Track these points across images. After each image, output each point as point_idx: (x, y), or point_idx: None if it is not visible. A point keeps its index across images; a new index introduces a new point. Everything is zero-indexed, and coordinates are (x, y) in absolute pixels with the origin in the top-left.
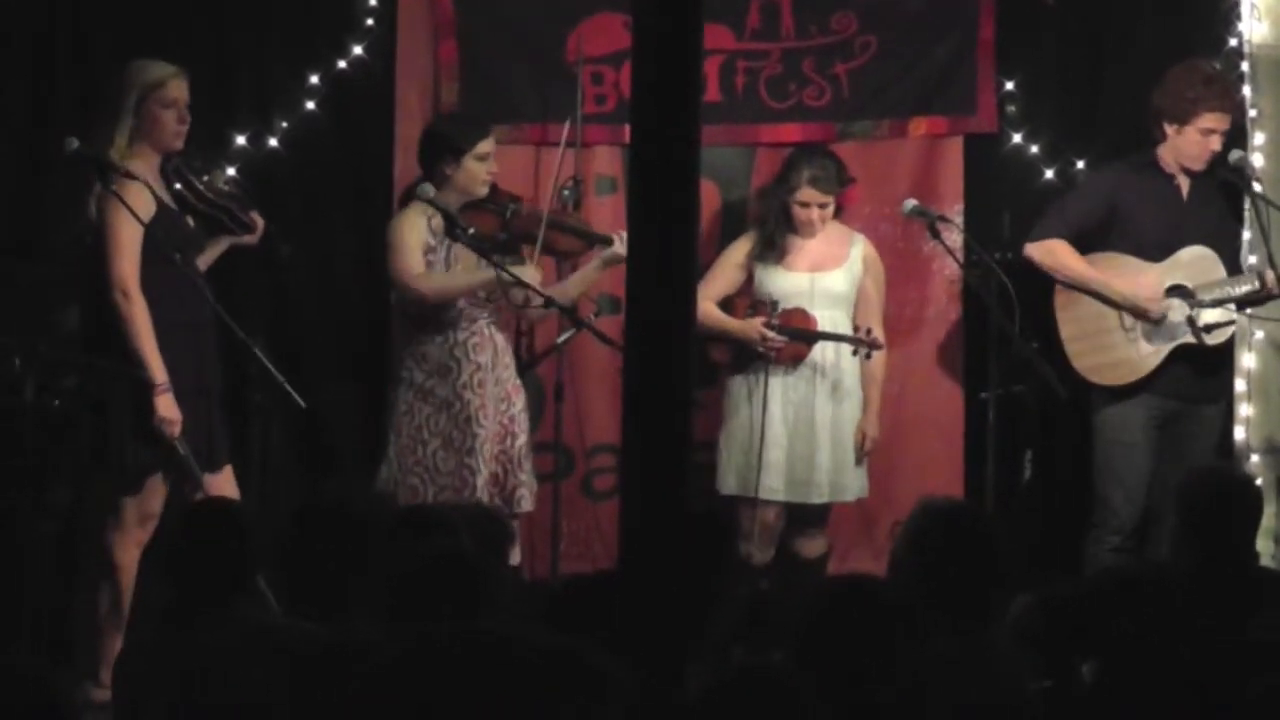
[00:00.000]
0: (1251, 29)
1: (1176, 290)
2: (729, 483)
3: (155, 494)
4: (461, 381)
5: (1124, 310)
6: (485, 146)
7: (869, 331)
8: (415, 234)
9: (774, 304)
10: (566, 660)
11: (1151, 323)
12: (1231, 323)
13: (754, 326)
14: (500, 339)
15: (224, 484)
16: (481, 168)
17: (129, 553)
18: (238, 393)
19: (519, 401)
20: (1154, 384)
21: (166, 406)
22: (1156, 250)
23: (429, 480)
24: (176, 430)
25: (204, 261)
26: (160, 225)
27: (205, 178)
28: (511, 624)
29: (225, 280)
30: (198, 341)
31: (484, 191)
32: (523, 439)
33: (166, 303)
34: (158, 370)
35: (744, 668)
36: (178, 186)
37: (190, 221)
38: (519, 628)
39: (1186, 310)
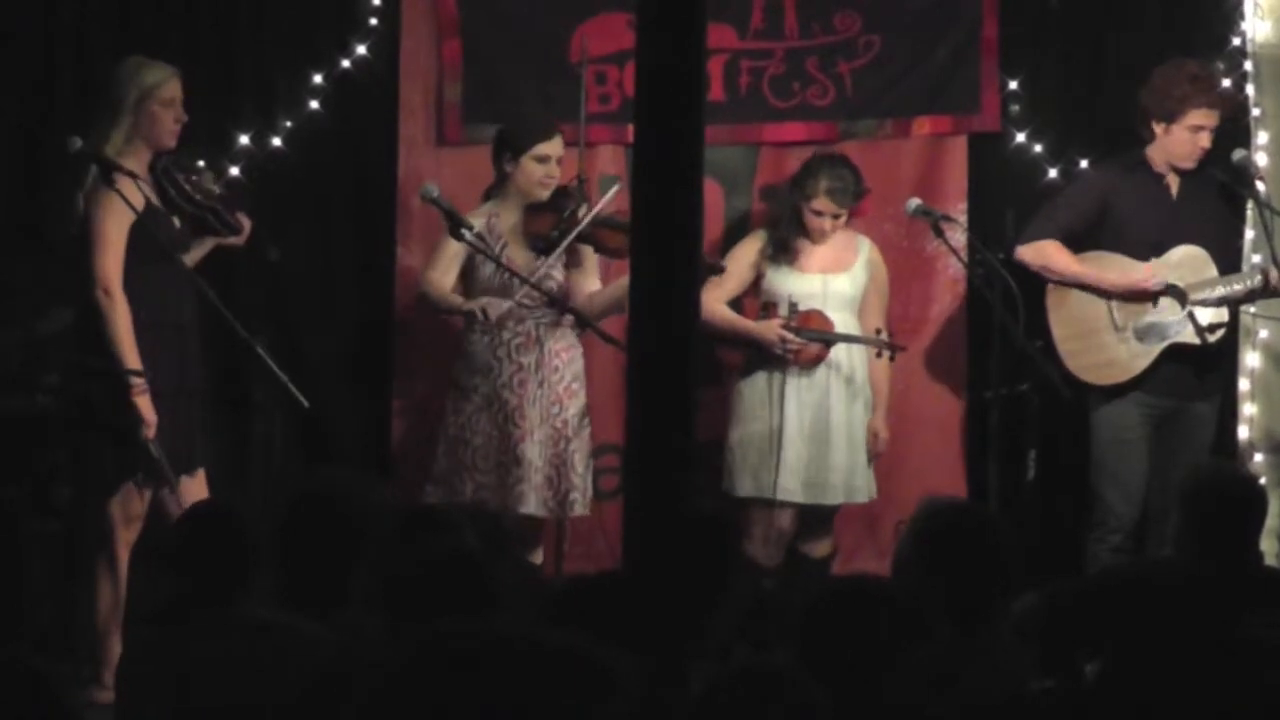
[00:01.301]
0: (1254, 28)
1: (1168, 289)
2: (744, 485)
3: (135, 496)
4: (502, 381)
5: (1121, 301)
6: (545, 149)
7: (891, 335)
8: (457, 244)
9: (792, 306)
10: (570, 657)
11: (1151, 300)
12: (1224, 324)
13: (773, 329)
14: (553, 342)
15: (196, 488)
16: (540, 169)
17: (121, 554)
18: (240, 392)
19: (572, 406)
20: (1148, 383)
21: (143, 408)
22: (1147, 250)
23: (468, 478)
24: (151, 432)
25: (188, 262)
26: (151, 223)
27: (194, 178)
28: (514, 622)
29: (227, 279)
30: (179, 342)
31: (543, 194)
32: (576, 443)
33: (149, 302)
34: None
35: (747, 666)
36: (166, 187)
37: (176, 221)
38: (521, 626)
39: (1180, 309)
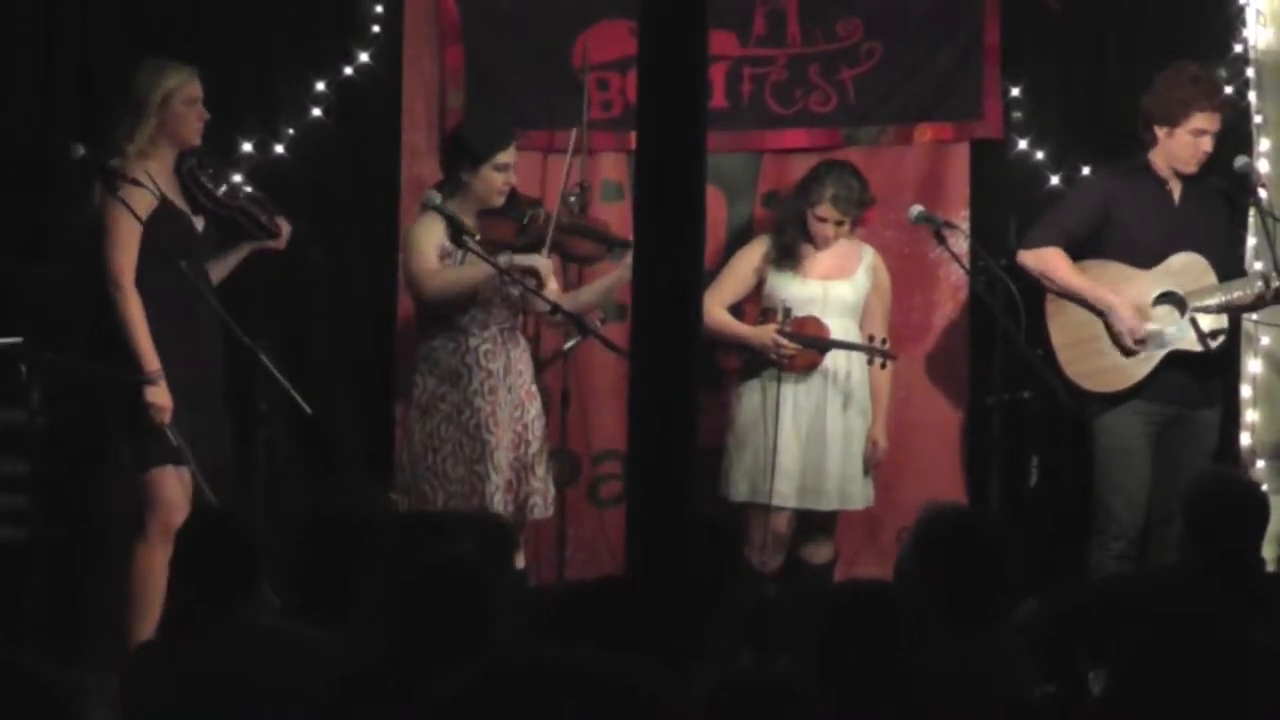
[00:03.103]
0: (1256, 34)
1: (1167, 297)
2: (741, 489)
3: (164, 483)
4: (472, 389)
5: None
6: (504, 157)
7: (883, 341)
8: (432, 237)
9: (786, 311)
10: (622, 686)
11: (1123, 353)
12: (1224, 331)
13: (767, 334)
14: (514, 347)
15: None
16: (499, 177)
17: (153, 552)
18: (242, 398)
19: (533, 409)
20: (1149, 390)
21: (156, 394)
22: (1148, 256)
23: (438, 486)
24: (167, 417)
25: (224, 267)
26: (163, 224)
27: (223, 184)
28: (561, 649)
29: (231, 286)
30: (192, 341)
31: (500, 201)
32: (536, 446)
33: (162, 301)
34: (149, 360)
35: (749, 672)
36: (190, 188)
37: (199, 223)
38: (567, 652)
39: (1178, 316)
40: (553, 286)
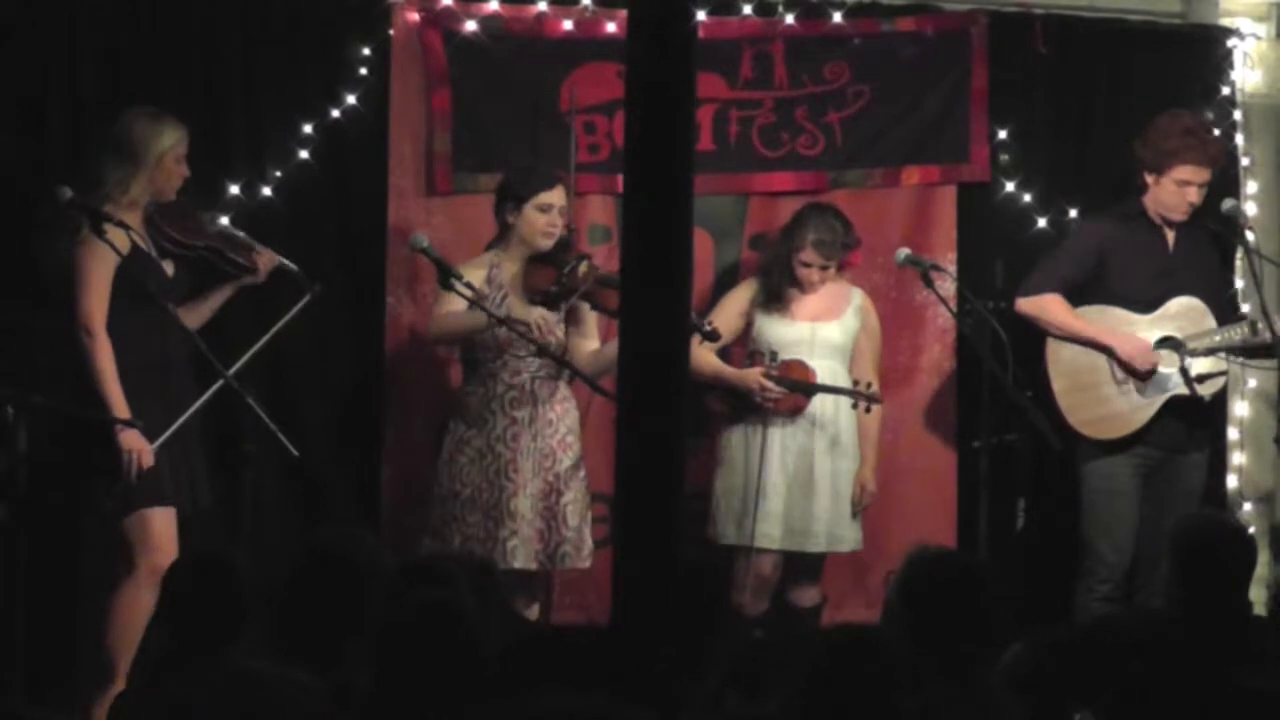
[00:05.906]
0: (1244, 77)
1: (1167, 342)
2: (727, 532)
3: (152, 522)
4: (496, 434)
5: (1116, 363)
6: (547, 198)
7: (868, 385)
8: (455, 300)
9: (772, 354)
10: None
11: (1140, 378)
12: (1223, 373)
13: (753, 376)
14: (546, 396)
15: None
16: (542, 219)
17: (141, 593)
18: (230, 441)
19: (566, 459)
20: (1144, 435)
21: (129, 439)
22: (1144, 301)
23: (456, 530)
24: (148, 459)
25: (207, 309)
26: (138, 268)
27: (187, 222)
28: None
29: (217, 329)
30: (164, 384)
31: (546, 244)
32: (570, 495)
33: (133, 345)
34: (120, 408)
35: (737, 716)
36: (155, 236)
37: (169, 267)
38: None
39: (1177, 361)
40: (592, 343)
